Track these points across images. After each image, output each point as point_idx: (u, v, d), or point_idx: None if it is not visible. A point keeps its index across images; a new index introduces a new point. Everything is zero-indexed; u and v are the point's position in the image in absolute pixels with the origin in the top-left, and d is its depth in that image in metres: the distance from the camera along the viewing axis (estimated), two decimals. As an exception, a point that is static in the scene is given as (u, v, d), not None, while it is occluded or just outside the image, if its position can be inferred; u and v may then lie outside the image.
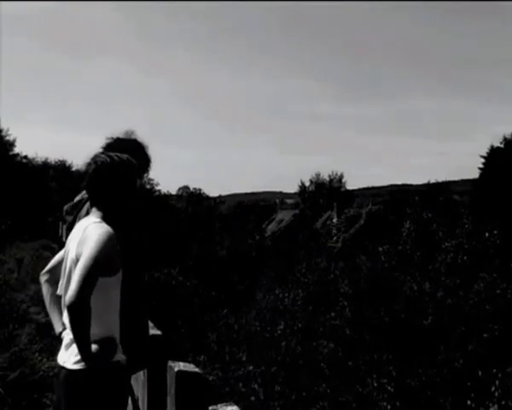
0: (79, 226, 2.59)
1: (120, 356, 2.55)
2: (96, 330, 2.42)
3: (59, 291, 2.61)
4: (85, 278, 2.29)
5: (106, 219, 2.58)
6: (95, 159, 2.61)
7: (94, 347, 2.41)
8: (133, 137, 3.33)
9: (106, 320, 2.49)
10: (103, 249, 2.38)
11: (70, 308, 2.29)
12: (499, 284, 13.50)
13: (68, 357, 2.48)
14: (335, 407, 12.10)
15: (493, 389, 10.28)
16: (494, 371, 10.66)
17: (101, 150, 2.72)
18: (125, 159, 2.64)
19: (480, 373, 10.81)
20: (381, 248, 16.16)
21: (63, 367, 2.49)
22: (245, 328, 16.45)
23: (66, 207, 3.24)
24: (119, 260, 2.51)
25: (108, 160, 2.60)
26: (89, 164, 2.60)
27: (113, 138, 3.27)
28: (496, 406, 9.96)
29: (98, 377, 2.44)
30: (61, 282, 2.60)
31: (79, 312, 2.29)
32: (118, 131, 3.35)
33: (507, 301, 13.08)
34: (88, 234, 2.47)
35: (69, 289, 2.31)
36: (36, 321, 10.50)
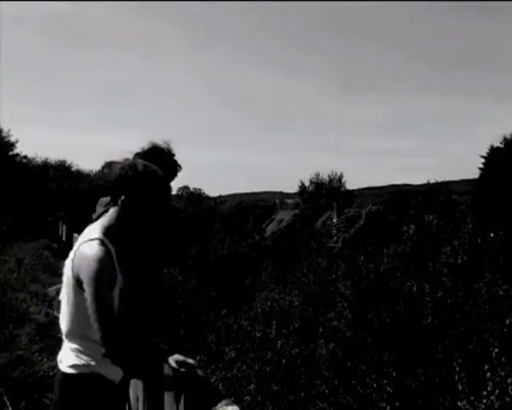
0: (79, 239, 2.51)
1: (108, 372, 2.51)
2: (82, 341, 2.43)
3: (60, 297, 2.60)
4: (102, 317, 2.32)
5: (113, 229, 2.49)
6: (122, 164, 2.50)
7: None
8: (162, 145, 3.33)
9: (90, 334, 2.43)
10: (102, 275, 2.35)
11: (108, 356, 2.34)
12: (502, 285, 13.48)
13: (65, 358, 2.48)
14: (335, 408, 12.08)
15: (488, 388, 10.26)
16: (486, 367, 10.65)
17: (131, 156, 2.64)
18: (151, 170, 2.50)
19: (480, 373, 10.80)
20: (386, 250, 16.18)
21: (59, 367, 2.50)
22: (243, 328, 16.44)
23: (103, 199, 3.13)
24: (115, 275, 2.45)
25: (134, 168, 2.48)
26: (107, 166, 2.60)
27: (142, 150, 3.26)
28: (483, 405, 9.93)
29: (91, 383, 2.43)
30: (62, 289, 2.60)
31: (119, 355, 2.35)
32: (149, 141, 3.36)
33: (510, 302, 13.05)
34: (82, 257, 2.41)
35: (98, 338, 2.33)
36: (36, 321, 10.52)
